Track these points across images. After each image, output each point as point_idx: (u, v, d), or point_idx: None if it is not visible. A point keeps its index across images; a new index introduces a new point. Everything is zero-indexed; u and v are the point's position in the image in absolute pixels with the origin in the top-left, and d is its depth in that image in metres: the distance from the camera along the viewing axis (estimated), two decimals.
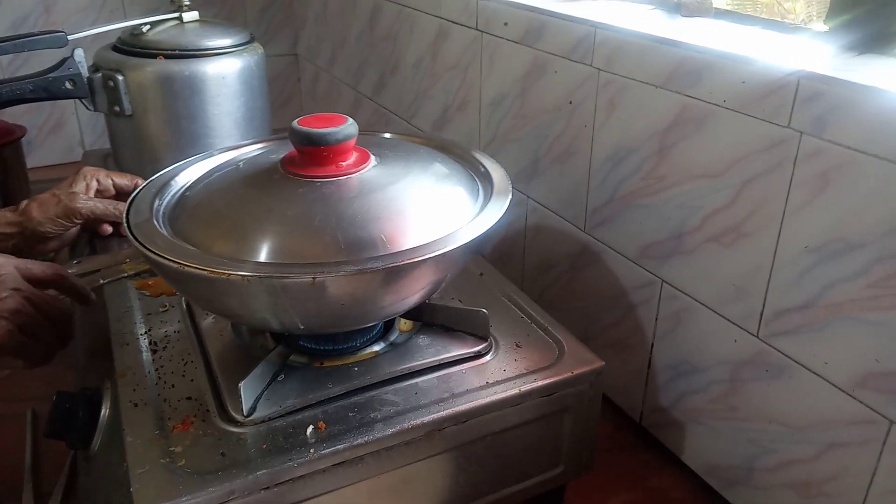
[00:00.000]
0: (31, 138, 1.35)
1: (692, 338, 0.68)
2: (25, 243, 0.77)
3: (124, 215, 0.57)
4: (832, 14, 0.60)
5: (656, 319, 0.72)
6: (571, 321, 0.66)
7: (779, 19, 0.71)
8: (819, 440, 0.58)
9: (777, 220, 0.58)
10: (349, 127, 0.58)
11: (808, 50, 0.59)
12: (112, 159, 1.01)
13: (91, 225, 0.82)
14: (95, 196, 0.82)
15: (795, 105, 0.54)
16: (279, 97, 1.68)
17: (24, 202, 0.77)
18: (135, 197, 0.60)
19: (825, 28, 0.62)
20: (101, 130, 1.55)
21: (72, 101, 1.25)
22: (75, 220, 0.78)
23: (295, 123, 0.58)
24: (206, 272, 0.49)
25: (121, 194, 0.84)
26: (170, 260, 0.50)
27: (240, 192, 0.58)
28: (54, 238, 0.79)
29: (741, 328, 0.63)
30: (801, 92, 0.54)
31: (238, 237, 0.53)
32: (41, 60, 0.97)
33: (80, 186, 0.80)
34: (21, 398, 0.85)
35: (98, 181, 0.82)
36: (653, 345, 0.73)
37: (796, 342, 0.58)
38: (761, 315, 0.61)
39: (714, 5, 0.71)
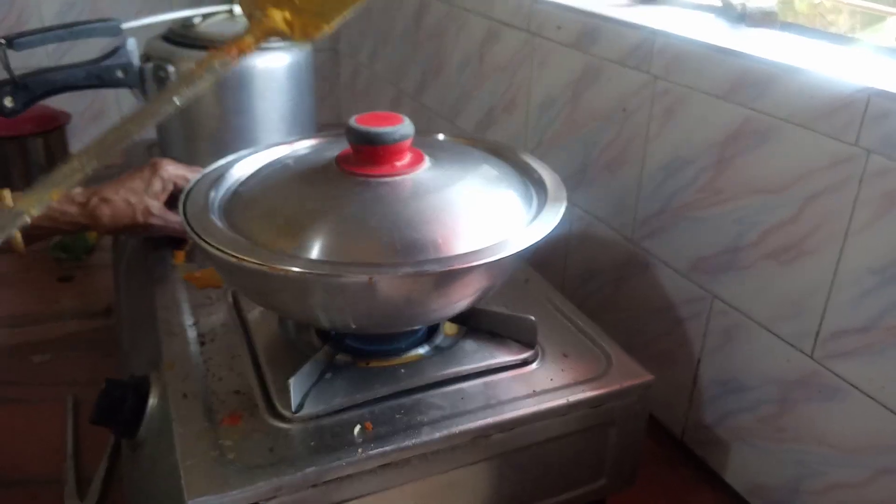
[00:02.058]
0: (73, 124, 1.36)
1: (742, 355, 0.67)
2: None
3: (181, 207, 0.57)
4: None
5: (705, 335, 0.71)
6: (614, 332, 0.66)
7: (821, 29, 0.70)
8: (871, 465, 0.57)
9: (839, 239, 0.56)
10: (406, 127, 0.58)
11: (877, 66, 0.58)
12: (157, 149, 1.02)
13: None
14: (171, 196, 0.75)
15: (864, 123, 0.53)
16: (317, 92, 1.67)
17: (94, 199, 0.71)
18: (191, 189, 0.60)
19: (894, 44, 0.61)
20: None
21: (114, 89, 1.26)
22: (144, 234, 0.75)
23: (352, 121, 0.58)
24: (264, 268, 0.49)
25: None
26: (228, 254, 0.50)
27: (295, 188, 0.58)
28: None
29: (795, 348, 0.62)
30: (871, 109, 0.53)
31: (294, 233, 0.53)
32: (85, 47, 0.98)
33: (155, 188, 0.73)
34: (60, 382, 0.86)
35: (175, 185, 0.75)
36: (699, 360, 0.72)
37: (853, 364, 0.57)
38: (817, 335, 0.59)
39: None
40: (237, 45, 0.51)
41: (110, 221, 0.71)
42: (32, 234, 0.68)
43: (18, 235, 0.66)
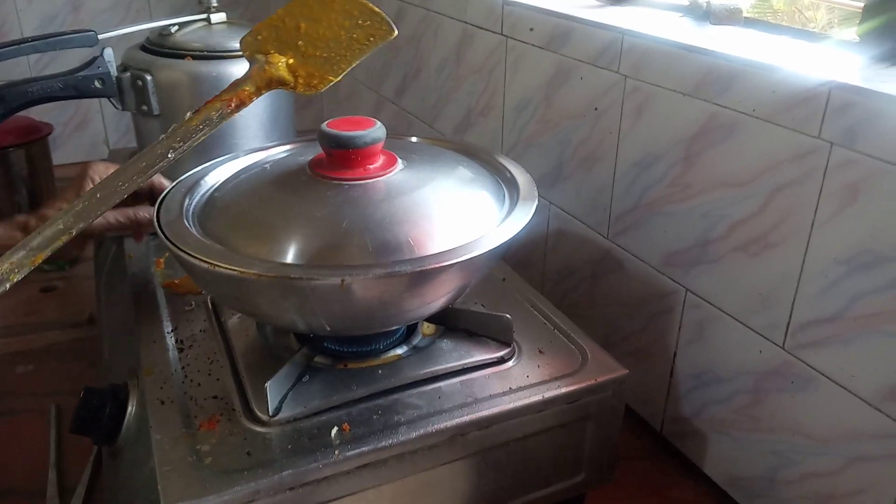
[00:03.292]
0: (56, 135, 1.37)
1: (716, 347, 0.68)
2: None
3: (155, 214, 0.57)
4: (863, 24, 0.60)
5: (679, 328, 0.72)
6: (592, 328, 0.67)
7: (799, 27, 0.71)
8: (844, 453, 0.58)
9: (805, 231, 0.57)
10: (377, 130, 0.59)
11: (839, 60, 0.59)
12: None
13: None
14: None
15: (826, 115, 0.54)
16: (300, 98, 1.68)
17: (32, 220, 0.68)
18: (165, 196, 0.60)
19: (855, 38, 0.62)
20: (124, 128, 1.57)
21: (97, 99, 1.26)
22: (90, 239, 0.72)
23: (324, 126, 0.58)
24: (236, 272, 0.49)
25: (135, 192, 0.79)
26: (201, 259, 0.50)
27: (268, 194, 0.59)
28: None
29: (767, 339, 0.62)
30: (833, 102, 0.54)
31: (267, 238, 0.54)
32: (67, 58, 0.99)
33: None
34: (43, 392, 0.86)
35: None
36: (675, 354, 0.73)
37: (823, 354, 0.58)
38: (787, 326, 0.60)
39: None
40: (236, 94, 0.48)
41: None
42: None
43: None
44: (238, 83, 0.49)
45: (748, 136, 0.61)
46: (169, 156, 0.47)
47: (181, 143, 0.47)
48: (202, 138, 0.48)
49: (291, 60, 0.49)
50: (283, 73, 0.49)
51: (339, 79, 0.49)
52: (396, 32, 0.50)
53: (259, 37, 0.49)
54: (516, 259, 0.97)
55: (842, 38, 0.63)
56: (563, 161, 0.85)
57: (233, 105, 0.48)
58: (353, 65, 0.49)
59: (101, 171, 0.72)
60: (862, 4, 0.65)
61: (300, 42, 0.48)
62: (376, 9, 0.49)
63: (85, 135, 1.56)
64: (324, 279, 0.49)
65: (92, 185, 0.68)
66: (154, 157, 0.47)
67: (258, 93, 0.49)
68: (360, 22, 0.49)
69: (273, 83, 0.49)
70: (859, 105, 0.52)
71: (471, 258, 0.52)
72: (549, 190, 0.87)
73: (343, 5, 0.49)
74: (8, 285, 0.43)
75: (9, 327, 0.99)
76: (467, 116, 1.05)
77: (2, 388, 0.88)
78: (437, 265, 0.51)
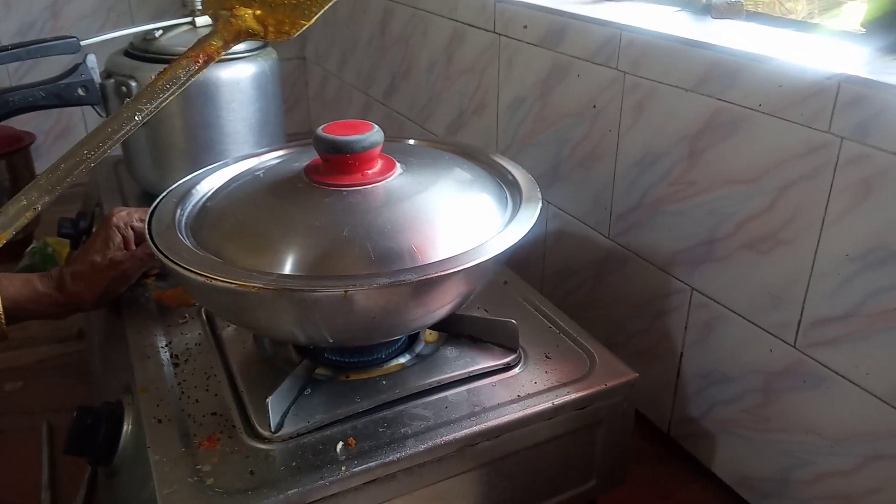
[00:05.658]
0: (38, 144, 1.34)
1: (724, 347, 0.67)
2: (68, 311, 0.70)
3: (146, 225, 0.55)
4: (868, 14, 0.59)
5: (686, 328, 0.70)
6: (595, 329, 0.65)
7: (786, 17, 0.70)
8: (859, 452, 0.57)
9: (816, 228, 0.56)
10: (375, 134, 0.57)
11: (844, 52, 0.58)
12: (123, 166, 0.99)
13: None
14: (135, 243, 0.71)
15: (836, 109, 0.53)
16: (286, 101, 1.66)
17: (66, 278, 0.67)
18: (156, 206, 0.58)
19: (859, 29, 0.61)
20: None
21: (80, 106, 1.24)
22: (127, 286, 0.71)
23: (319, 131, 0.56)
24: (234, 285, 0.47)
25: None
26: (196, 273, 0.48)
27: (264, 202, 0.57)
28: None
29: (777, 337, 0.61)
30: (842, 96, 0.52)
31: (265, 248, 0.52)
32: (47, 65, 0.96)
33: (117, 241, 0.69)
34: (35, 410, 0.84)
35: (132, 228, 0.71)
36: (682, 354, 0.71)
37: (836, 352, 0.57)
38: (799, 324, 0.59)
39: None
40: (203, 50, 0.46)
41: (90, 292, 0.67)
42: (17, 315, 0.64)
43: (1, 316, 0.61)
44: (204, 39, 0.47)
45: (755, 131, 0.59)
46: (136, 118, 0.45)
47: (148, 105, 0.46)
48: (171, 98, 0.46)
49: (259, 11, 0.47)
50: (251, 23, 0.47)
51: (311, 22, 0.47)
52: None
53: None
54: (515, 260, 0.95)
55: (845, 30, 0.62)
56: (560, 160, 0.83)
57: (200, 61, 0.46)
58: (326, 7, 0.47)
59: (122, 217, 0.71)
60: None
61: None
62: None
63: (67, 143, 1.52)
64: (326, 290, 0.47)
65: (118, 233, 0.69)
66: (121, 121, 0.45)
67: (226, 46, 0.47)
68: None
69: (242, 35, 0.47)
70: (870, 98, 0.50)
71: (476, 264, 0.51)
72: (546, 190, 0.85)
73: None
74: None
75: None
76: (460, 116, 1.03)
77: None
78: (441, 273, 0.49)
